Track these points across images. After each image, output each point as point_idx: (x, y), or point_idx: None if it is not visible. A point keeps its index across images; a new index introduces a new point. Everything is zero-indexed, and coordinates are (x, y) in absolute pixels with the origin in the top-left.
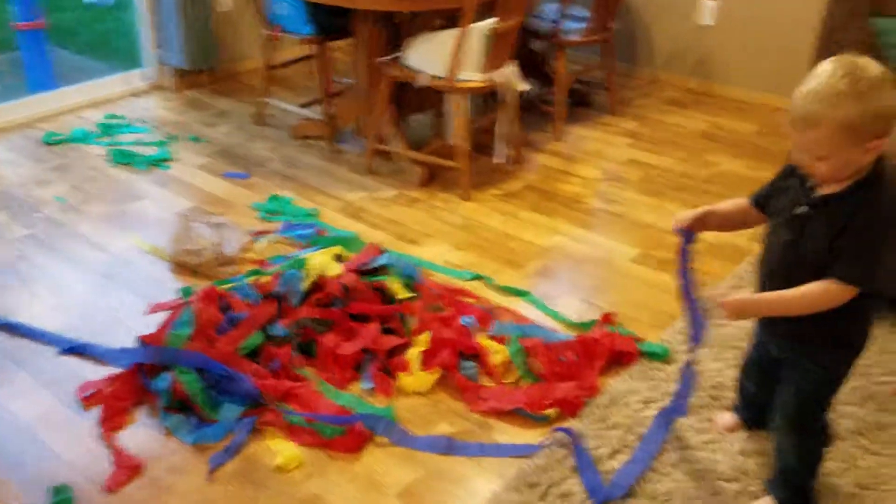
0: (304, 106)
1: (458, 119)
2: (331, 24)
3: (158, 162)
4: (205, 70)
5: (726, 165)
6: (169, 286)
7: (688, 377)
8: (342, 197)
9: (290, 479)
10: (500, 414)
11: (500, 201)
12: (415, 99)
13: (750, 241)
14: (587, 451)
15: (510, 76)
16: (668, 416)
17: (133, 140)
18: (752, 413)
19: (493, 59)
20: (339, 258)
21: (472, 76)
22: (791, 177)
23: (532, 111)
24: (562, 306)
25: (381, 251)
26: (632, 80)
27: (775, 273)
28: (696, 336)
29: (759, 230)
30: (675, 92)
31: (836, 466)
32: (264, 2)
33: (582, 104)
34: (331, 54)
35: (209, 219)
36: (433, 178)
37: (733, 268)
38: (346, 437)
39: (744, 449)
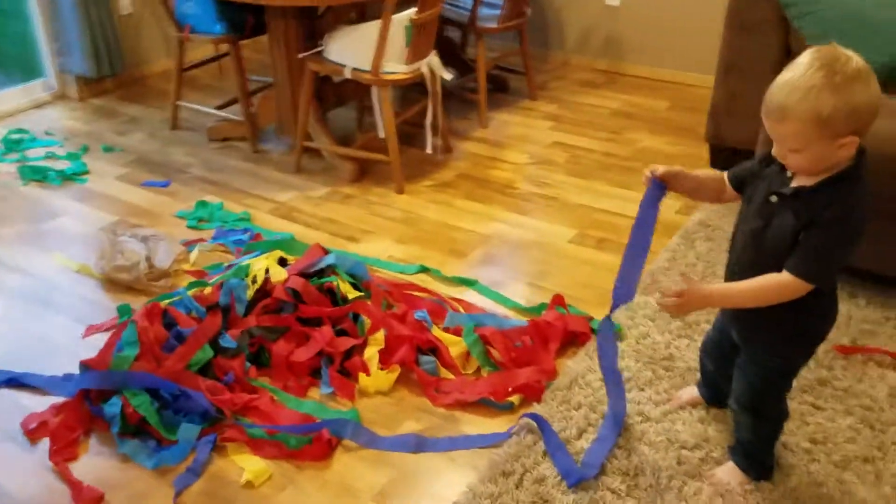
0: (220, 107)
1: (385, 112)
2: (242, 22)
3: (73, 176)
4: (109, 76)
5: (646, 142)
6: (103, 305)
7: (605, 334)
8: (272, 198)
9: (260, 494)
10: (465, 406)
11: (434, 192)
12: (334, 93)
13: (679, 216)
14: (556, 435)
15: (434, 66)
16: (615, 384)
17: (43, 154)
18: (711, 391)
19: (416, 50)
20: (282, 262)
21: (396, 68)
22: (772, 164)
23: (453, 99)
24: (510, 292)
25: (326, 251)
26: (545, 63)
27: (742, 261)
28: (618, 296)
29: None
30: (586, 73)
31: (789, 425)
32: (172, 2)
33: (501, 90)
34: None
35: (136, 231)
36: (364, 173)
37: (666, 242)
38: (313, 445)
39: (703, 417)
